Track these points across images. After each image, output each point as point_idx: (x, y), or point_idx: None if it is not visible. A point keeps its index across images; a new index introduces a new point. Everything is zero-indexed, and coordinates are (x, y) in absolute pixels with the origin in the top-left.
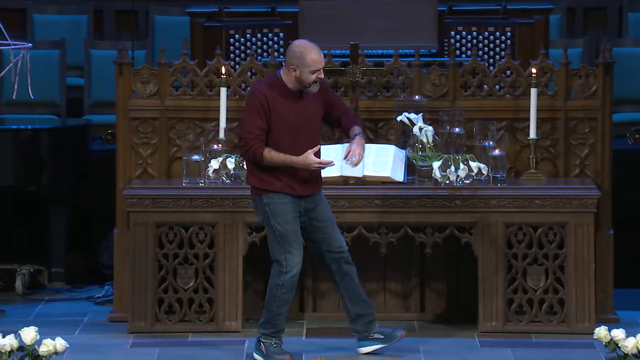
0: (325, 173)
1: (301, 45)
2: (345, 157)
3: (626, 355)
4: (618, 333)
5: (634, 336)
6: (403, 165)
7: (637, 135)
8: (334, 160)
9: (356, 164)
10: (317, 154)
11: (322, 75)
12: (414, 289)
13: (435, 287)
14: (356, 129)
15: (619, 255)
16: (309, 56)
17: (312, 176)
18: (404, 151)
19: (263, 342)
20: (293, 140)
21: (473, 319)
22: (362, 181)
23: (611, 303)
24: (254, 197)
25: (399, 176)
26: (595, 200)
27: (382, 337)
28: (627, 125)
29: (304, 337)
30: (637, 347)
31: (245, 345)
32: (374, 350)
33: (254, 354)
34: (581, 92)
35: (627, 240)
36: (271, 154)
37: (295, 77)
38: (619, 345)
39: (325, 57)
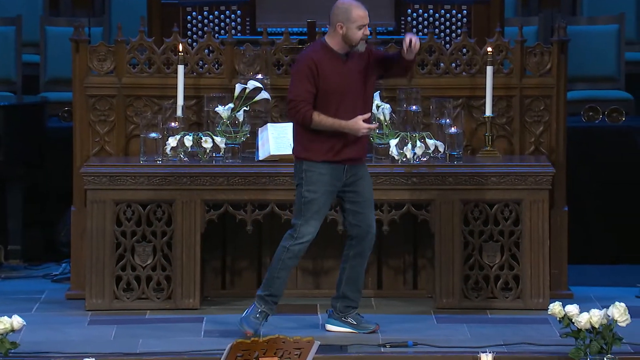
0: (283, 151)
1: (345, 3)
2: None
3: (579, 330)
4: (572, 309)
5: (587, 311)
6: None
7: (590, 113)
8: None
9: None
10: (367, 121)
11: (368, 32)
12: (371, 266)
13: (393, 264)
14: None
15: (572, 232)
16: (354, 12)
17: (356, 144)
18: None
19: (255, 305)
20: (339, 103)
21: (430, 295)
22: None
23: (565, 279)
24: (295, 162)
25: None
26: (550, 178)
27: (354, 323)
28: (581, 102)
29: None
30: (590, 322)
31: (203, 322)
32: (338, 331)
33: (243, 313)
34: (536, 70)
35: (581, 217)
36: (320, 117)
37: (342, 35)
38: (573, 320)
39: (282, 35)
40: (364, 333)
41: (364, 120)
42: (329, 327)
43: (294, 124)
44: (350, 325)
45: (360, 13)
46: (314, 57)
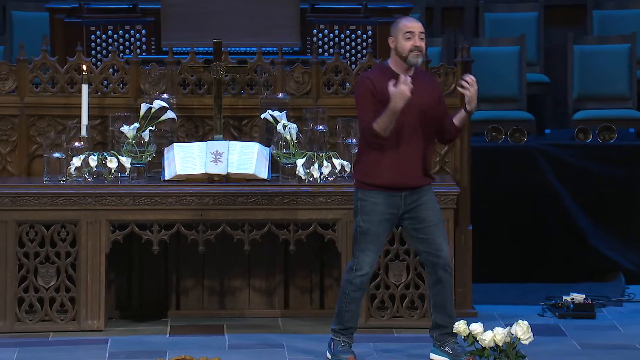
0: (189, 170)
1: (398, 17)
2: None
3: (484, 348)
4: (476, 327)
5: (491, 330)
6: (267, 163)
7: (493, 133)
8: (198, 157)
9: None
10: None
11: (419, 43)
12: (278, 286)
13: (299, 284)
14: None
15: (476, 250)
16: (402, 22)
17: (411, 169)
18: (267, 149)
19: (333, 340)
20: (398, 124)
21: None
22: (227, 179)
23: (469, 297)
24: (354, 189)
25: (263, 173)
26: (455, 197)
27: (451, 352)
28: (484, 123)
29: (167, 335)
30: (494, 340)
31: (108, 344)
32: None
33: (327, 352)
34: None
35: (485, 235)
36: (377, 123)
37: (395, 50)
38: (477, 338)
39: (187, 55)
40: None
41: (395, 86)
42: (432, 355)
43: (361, 148)
44: (447, 354)
45: (406, 23)
46: (371, 77)
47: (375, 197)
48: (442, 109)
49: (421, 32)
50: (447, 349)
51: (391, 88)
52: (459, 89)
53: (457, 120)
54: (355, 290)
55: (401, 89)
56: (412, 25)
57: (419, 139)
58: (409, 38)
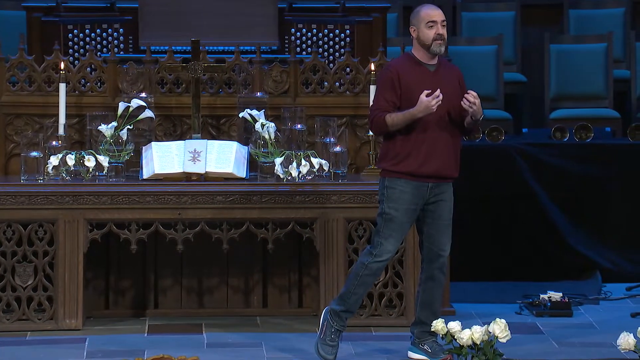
0: (168, 169)
1: (418, 6)
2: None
3: (462, 346)
4: (454, 325)
5: (469, 328)
6: (245, 162)
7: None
8: (176, 156)
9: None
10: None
11: (441, 31)
12: (257, 285)
13: (278, 283)
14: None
15: (454, 249)
16: (423, 11)
17: (441, 158)
18: (246, 147)
19: (329, 320)
20: (427, 115)
21: (315, 313)
22: (205, 177)
23: (447, 296)
24: (380, 177)
25: (242, 172)
26: None
27: (429, 351)
28: None
29: (145, 334)
30: (471, 338)
31: (86, 343)
32: (417, 359)
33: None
34: None
35: (463, 234)
36: (392, 117)
37: (417, 39)
38: (455, 337)
39: (165, 54)
40: None
41: (428, 95)
42: (410, 354)
43: (376, 136)
44: (425, 352)
45: (428, 11)
46: (397, 66)
47: (403, 185)
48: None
49: (443, 21)
50: (425, 347)
51: (422, 96)
52: (464, 105)
53: (466, 123)
54: (369, 275)
55: (431, 103)
56: (434, 13)
57: (447, 129)
58: (432, 27)
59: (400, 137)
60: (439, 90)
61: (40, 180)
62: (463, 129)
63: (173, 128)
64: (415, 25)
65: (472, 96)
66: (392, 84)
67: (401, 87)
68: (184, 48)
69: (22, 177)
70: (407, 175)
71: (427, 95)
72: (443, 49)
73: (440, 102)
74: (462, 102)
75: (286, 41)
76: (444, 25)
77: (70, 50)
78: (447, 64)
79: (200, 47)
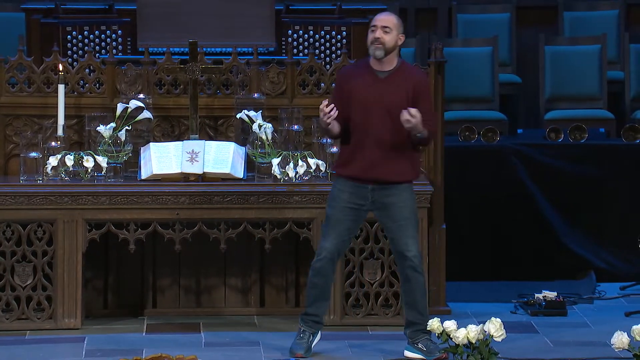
0: (166, 170)
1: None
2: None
3: (457, 345)
4: (450, 324)
5: (465, 327)
6: (243, 162)
7: (467, 133)
8: (174, 157)
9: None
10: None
11: (378, 35)
12: (254, 284)
13: (275, 282)
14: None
15: (450, 249)
16: (374, 18)
17: (384, 164)
18: (243, 148)
19: (299, 325)
20: (364, 119)
21: None
22: (203, 178)
23: (443, 295)
24: None
25: (239, 173)
26: (429, 196)
27: (425, 349)
28: (457, 123)
29: (143, 334)
30: (467, 337)
31: (85, 342)
32: (414, 357)
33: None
34: None
35: (458, 234)
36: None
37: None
38: (451, 336)
39: (163, 55)
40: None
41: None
42: (406, 353)
43: (341, 140)
44: (421, 351)
45: (375, 16)
46: (345, 72)
47: (341, 184)
48: (416, 99)
49: (384, 26)
50: (420, 346)
51: (320, 107)
52: (401, 118)
53: (411, 136)
54: (314, 275)
55: (322, 116)
56: (377, 18)
57: (389, 136)
58: (372, 31)
59: (346, 143)
60: (334, 109)
61: (39, 180)
62: (412, 138)
63: (171, 129)
64: None
65: (408, 114)
66: (338, 87)
67: (344, 93)
68: (182, 49)
69: (22, 178)
70: (346, 177)
71: (327, 108)
72: (380, 53)
73: (331, 116)
74: (400, 115)
75: (283, 43)
76: (386, 31)
77: (69, 52)
78: (409, 70)
79: (198, 49)
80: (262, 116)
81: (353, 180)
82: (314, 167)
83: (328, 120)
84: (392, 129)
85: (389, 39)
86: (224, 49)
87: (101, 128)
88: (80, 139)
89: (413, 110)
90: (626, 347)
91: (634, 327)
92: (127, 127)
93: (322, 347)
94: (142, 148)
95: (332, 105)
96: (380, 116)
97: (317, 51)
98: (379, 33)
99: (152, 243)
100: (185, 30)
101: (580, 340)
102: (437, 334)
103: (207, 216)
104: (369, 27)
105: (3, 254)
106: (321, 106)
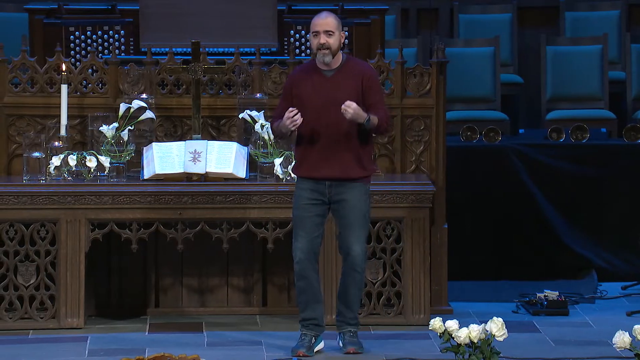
0: (168, 170)
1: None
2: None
3: (459, 345)
4: (451, 324)
5: (467, 327)
6: (245, 162)
7: (468, 133)
8: (177, 156)
9: (348, 109)
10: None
11: (323, 40)
12: (256, 284)
13: (277, 282)
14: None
15: (452, 249)
16: (313, 20)
17: (336, 162)
18: (246, 148)
19: (301, 329)
20: (315, 119)
21: None
22: (205, 178)
23: (445, 295)
24: None
25: (241, 173)
26: (430, 196)
27: (342, 342)
28: (459, 122)
29: (146, 333)
30: (469, 337)
31: (88, 341)
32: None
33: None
34: (416, 90)
35: (460, 234)
36: (274, 125)
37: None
38: (453, 335)
39: (166, 55)
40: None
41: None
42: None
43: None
44: (342, 340)
45: (314, 20)
46: (295, 75)
47: (301, 184)
48: (365, 102)
49: (327, 31)
50: (341, 336)
51: (286, 113)
52: (344, 113)
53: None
54: (298, 280)
55: (287, 123)
56: (318, 22)
57: (341, 133)
58: (315, 36)
59: (300, 142)
60: (298, 115)
61: (42, 180)
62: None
63: (174, 129)
64: (310, 34)
65: (345, 104)
66: (286, 92)
67: (293, 96)
68: (185, 50)
69: (25, 178)
70: (303, 177)
71: (291, 113)
72: (329, 58)
73: (297, 122)
74: (342, 112)
75: (285, 43)
76: (329, 34)
77: (72, 52)
78: (355, 65)
79: (201, 49)
80: (264, 116)
81: (311, 178)
82: None
83: (292, 127)
84: (342, 126)
85: (333, 41)
86: (226, 49)
87: (104, 128)
88: (83, 139)
89: (347, 102)
90: (628, 347)
91: (636, 326)
92: (129, 127)
93: (323, 347)
94: (144, 148)
95: (297, 111)
96: (330, 115)
97: None
98: (323, 38)
99: (155, 243)
100: (188, 30)
101: (582, 340)
102: (438, 334)
103: (210, 216)
104: (371, 27)
105: (6, 254)
106: (288, 114)
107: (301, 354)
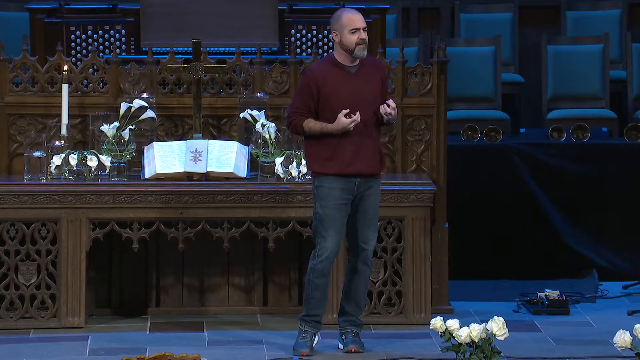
0: (169, 169)
1: (339, 11)
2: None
3: (460, 344)
4: (452, 323)
5: (467, 326)
6: (246, 161)
7: (469, 132)
8: (177, 156)
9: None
10: (350, 115)
11: (364, 36)
12: (257, 283)
13: (278, 281)
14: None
15: (452, 248)
16: (345, 16)
17: (367, 157)
18: (246, 147)
19: (299, 326)
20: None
21: None
22: (206, 177)
23: (446, 294)
24: (312, 178)
25: (242, 172)
26: (431, 195)
27: (344, 343)
28: (460, 122)
29: (147, 332)
30: (470, 336)
31: (89, 341)
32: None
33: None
34: (417, 90)
35: (461, 233)
36: (309, 125)
37: (339, 43)
38: (453, 334)
39: (167, 55)
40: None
41: (347, 115)
42: (340, 344)
43: (312, 139)
44: (342, 342)
45: (350, 16)
46: (317, 72)
47: (331, 182)
48: (382, 97)
49: (364, 28)
50: (343, 337)
51: (341, 116)
52: (381, 112)
53: (383, 126)
54: (318, 277)
55: (349, 126)
56: (356, 18)
57: (369, 129)
58: (353, 33)
59: (325, 139)
60: (358, 115)
61: (43, 179)
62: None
63: (174, 128)
64: (337, 30)
65: (390, 107)
66: (310, 90)
67: (320, 94)
68: (185, 49)
69: (26, 177)
70: (335, 175)
71: (347, 115)
72: (365, 52)
73: (359, 121)
74: (380, 109)
75: (286, 42)
76: (365, 30)
77: (73, 52)
78: (371, 60)
79: (202, 48)
80: (265, 115)
81: (341, 176)
82: None
83: (352, 127)
84: (368, 121)
85: (367, 37)
86: (227, 49)
87: (105, 127)
88: (84, 138)
89: (392, 103)
90: (629, 346)
91: (637, 325)
92: (130, 127)
93: (324, 346)
94: (145, 147)
95: (348, 110)
96: (362, 109)
97: (320, 51)
98: (363, 34)
99: (156, 242)
100: (189, 29)
101: (583, 339)
102: (439, 333)
103: (211, 215)
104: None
105: (7, 253)
106: (343, 118)
107: (305, 354)
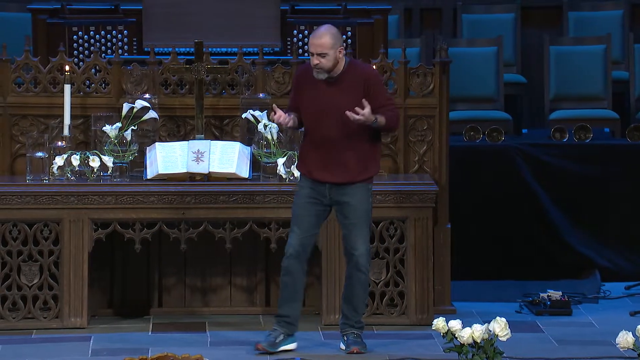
0: (171, 169)
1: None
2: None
3: (462, 345)
4: (455, 324)
5: (470, 327)
6: (248, 162)
7: (471, 133)
8: (180, 156)
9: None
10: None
11: (316, 61)
12: (260, 284)
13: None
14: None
15: (455, 248)
16: (310, 37)
17: (335, 167)
18: (249, 148)
19: (274, 325)
20: (315, 124)
21: (317, 312)
22: (208, 177)
23: (448, 294)
24: None
25: (245, 172)
26: (434, 195)
27: (345, 344)
28: (462, 122)
29: (149, 333)
30: (472, 337)
31: (91, 341)
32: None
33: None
34: (419, 90)
35: (463, 234)
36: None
37: None
38: (456, 335)
39: (169, 55)
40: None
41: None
42: (341, 345)
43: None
44: (344, 343)
45: (310, 38)
46: (301, 72)
47: (302, 181)
48: (373, 106)
49: (320, 53)
50: (344, 338)
51: (276, 118)
52: (352, 119)
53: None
54: (284, 274)
55: (275, 120)
56: (311, 42)
57: (344, 137)
58: (312, 55)
59: (304, 138)
60: (279, 115)
61: (46, 180)
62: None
63: (177, 129)
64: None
65: (360, 113)
66: (294, 86)
67: (297, 95)
68: (188, 50)
69: (28, 177)
70: (305, 175)
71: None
72: (323, 75)
73: (288, 124)
74: (347, 114)
75: (288, 43)
76: (322, 55)
77: (75, 52)
78: (356, 69)
79: (204, 49)
80: (267, 116)
81: (311, 177)
82: None
83: (288, 126)
84: (345, 131)
85: (326, 61)
86: (229, 49)
87: (107, 128)
88: (87, 139)
89: (361, 110)
90: (631, 347)
91: (639, 326)
92: (133, 127)
93: (327, 346)
94: (147, 148)
95: (281, 115)
96: (332, 120)
97: None
98: (316, 59)
99: (158, 242)
100: (191, 30)
101: (585, 340)
102: (442, 334)
103: (213, 216)
104: (374, 26)
105: (9, 254)
106: (275, 119)
107: (260, 347)
